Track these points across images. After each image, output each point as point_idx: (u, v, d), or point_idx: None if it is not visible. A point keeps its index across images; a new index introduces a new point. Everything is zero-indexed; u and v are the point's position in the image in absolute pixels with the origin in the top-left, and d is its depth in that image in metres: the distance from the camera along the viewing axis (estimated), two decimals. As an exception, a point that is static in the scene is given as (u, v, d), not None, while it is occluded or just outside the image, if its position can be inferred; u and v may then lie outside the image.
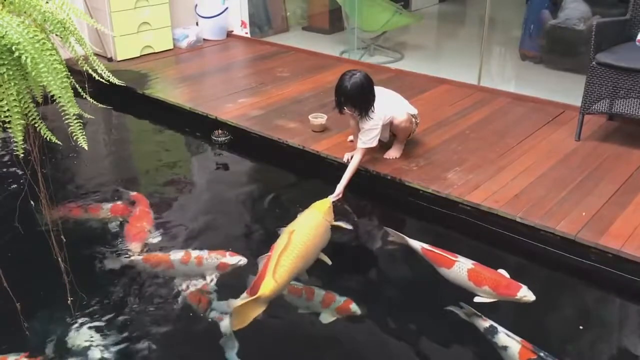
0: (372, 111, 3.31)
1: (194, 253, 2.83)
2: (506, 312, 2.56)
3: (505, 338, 2.33)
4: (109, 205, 3.33)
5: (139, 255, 2.89)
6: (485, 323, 2.42)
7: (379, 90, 3.47)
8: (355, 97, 3.26)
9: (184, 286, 2.70)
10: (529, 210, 3.00)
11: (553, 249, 2.89)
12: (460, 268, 2.58)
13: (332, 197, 3.21)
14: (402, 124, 3.46)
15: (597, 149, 3.66)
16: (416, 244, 2.80)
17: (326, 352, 2.47)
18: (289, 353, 2.47)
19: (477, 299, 2.50)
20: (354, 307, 2.56)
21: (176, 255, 2.84)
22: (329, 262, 2.70)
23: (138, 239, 3.00)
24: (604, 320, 2.67)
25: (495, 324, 2.40)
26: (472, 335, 2.43)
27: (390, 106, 3.44)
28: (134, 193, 3.43)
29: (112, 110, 4.75)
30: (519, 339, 2.31)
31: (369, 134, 3.35)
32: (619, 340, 2.50)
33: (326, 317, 2.54)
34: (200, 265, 2.77)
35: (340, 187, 3.32)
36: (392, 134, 3.59)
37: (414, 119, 3.55)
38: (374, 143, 3.38)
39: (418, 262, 2.78)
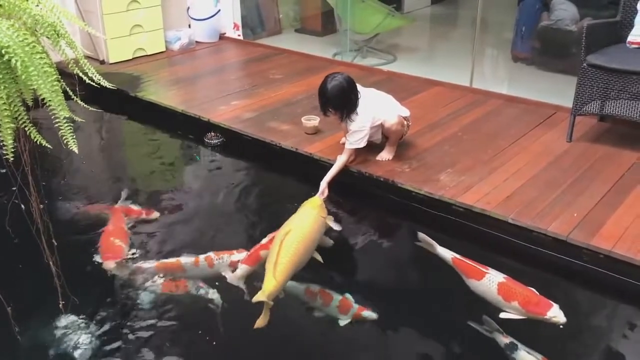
0: (356, 113, 3.32)
1: (202, 256, 2.84)
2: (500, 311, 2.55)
3: (526, 355, 2.29)
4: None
5: (151, 263, 2.86)
6: (505, 339, 2.38)
7: (370, 92, 3.49)
8: (336, 99, 3.28)
9: (172, 286, 2.71)
10: (521, 211, 3.02)
11: (545, 250, 2.90)
12: (490, 281, 2.52)
13: (318, 195, 3.22)
14: (394, 127, 3.46)
15: (589, 150, 3.67)
16: (446, 253, 2.74)
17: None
18: (300, 356, 2.48)
19: (503, 315, 2.44)
20: (368, 314, 2.56)
21: (186, 259, 2.85)
22: (321, 261, 2.72)
23: (113, 256, 2.90)
24: (594, 320, 2.67)
25: (516, 341, 2.35)
26: (492, 350, 2.38)
27: (380, 108, 3.45)
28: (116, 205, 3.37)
29: (105, 113, 4.73)
30: (539, 356, 2.28)
31: (356, 136, 3.36)
32: (610, 342, 2.51)
33: (341, 322, 2.54)
34: (212, 267, 2.79)
35: (323, 184, 3.30)
36: (384, 136, 3.60)
37: (405, 121, 3.55)
38: (362, 144, 3.39)
39: (432, 269, 2.76)
